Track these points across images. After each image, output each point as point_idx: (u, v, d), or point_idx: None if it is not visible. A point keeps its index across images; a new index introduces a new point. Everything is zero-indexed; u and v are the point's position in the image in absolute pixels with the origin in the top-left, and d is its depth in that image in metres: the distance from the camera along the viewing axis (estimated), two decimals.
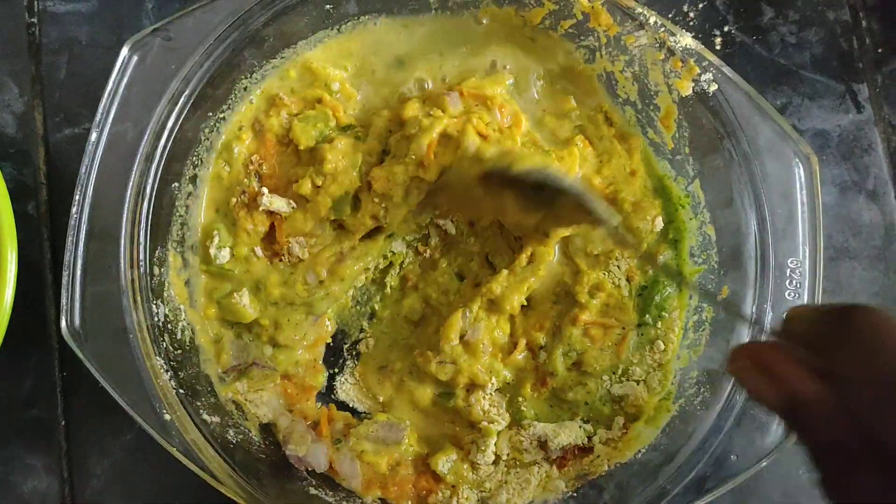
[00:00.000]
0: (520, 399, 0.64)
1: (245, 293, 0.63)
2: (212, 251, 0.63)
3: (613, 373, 0.64)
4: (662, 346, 0.63)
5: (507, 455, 0.63)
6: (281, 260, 0.65)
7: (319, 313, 0.66)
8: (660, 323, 0.64)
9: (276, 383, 0.65)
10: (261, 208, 0.63)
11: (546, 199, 0.57)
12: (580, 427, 0.63)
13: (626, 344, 0.64)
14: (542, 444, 0.63)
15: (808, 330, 0.31)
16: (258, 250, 0.64)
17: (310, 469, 0.62)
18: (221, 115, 0.62)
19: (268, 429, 0.63)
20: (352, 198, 0.63)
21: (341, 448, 0.63)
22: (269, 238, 0.64)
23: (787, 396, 0.30)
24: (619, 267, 0.64)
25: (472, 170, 0.58)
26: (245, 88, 0.63)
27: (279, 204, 0.63)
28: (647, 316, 0.64)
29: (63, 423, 0.66)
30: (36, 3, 0.71)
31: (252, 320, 0.64)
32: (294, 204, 0.64)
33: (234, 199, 0.64)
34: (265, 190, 0.63)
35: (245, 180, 0.64)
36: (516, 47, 0.66)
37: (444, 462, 0.63)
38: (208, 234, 0.63)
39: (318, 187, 0.63)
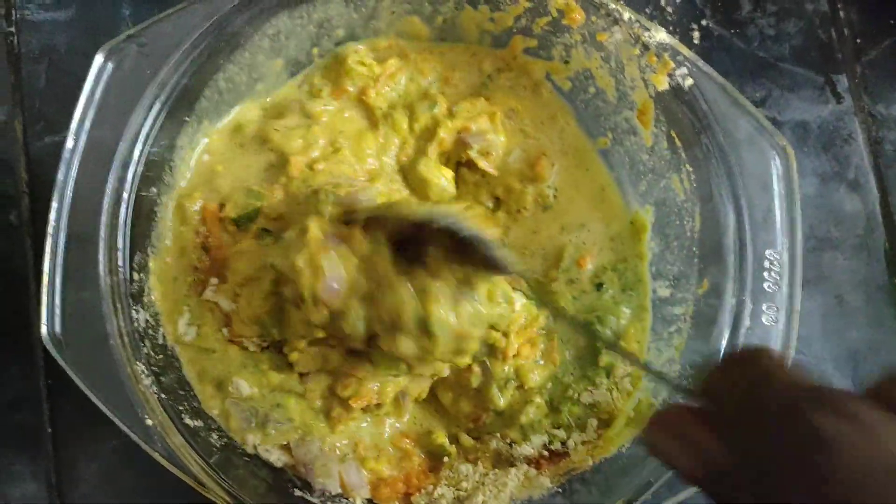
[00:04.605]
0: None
1: (242, 383, 0.60)
2: (180, 328, 0.60)
3: (557, 377, 0.64)
4: (630, 368, 0.63)
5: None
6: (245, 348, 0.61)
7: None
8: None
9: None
10: (204, 297, 0.60)
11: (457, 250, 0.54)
12: (546, 432, 0.63)
13: (556, 347, 0.64)
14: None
15: (717, 387, 0.29)
16: (225, 332, 0.61)
17: (327, 493, 0.61)
18: (196, 120, 0.62)
19: None
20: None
21: (346, 461, 0.62)
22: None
23: (702, 465, 0.27)
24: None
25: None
26: (220, 93, 0.63)
27: (222, 301, 0.60)
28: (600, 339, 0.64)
29: (50, 429, 0.66)
30: (14, 11, 0.71)
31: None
32: (234, 305, 0.60)
33: (189, 279, 0.61)
34: (214, 280, 0.60)
35: (193, 255, 0.61)
36: None
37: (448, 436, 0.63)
38: (177, 307, 0.60)
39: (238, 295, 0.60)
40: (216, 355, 0.60)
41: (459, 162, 0.68)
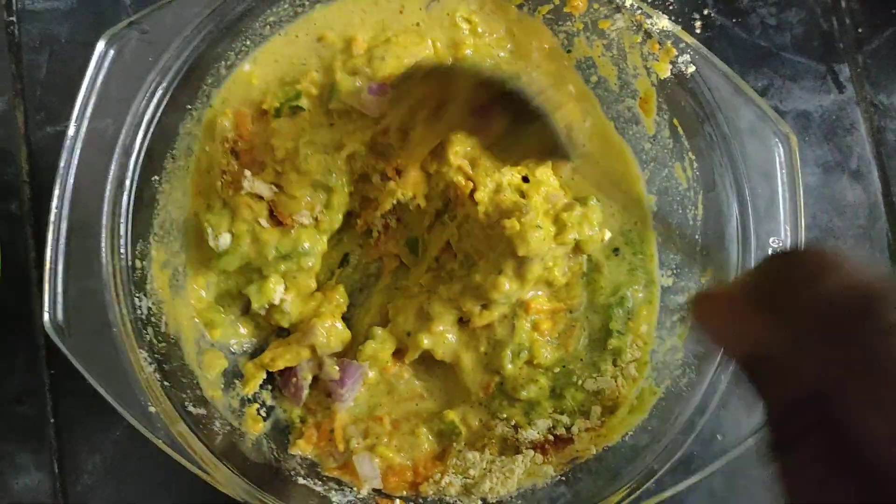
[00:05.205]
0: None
1: (280, 287, 0.61)
2: (211, 243, 0.60)
3: (564, 366, 0.64)
4: (638, 354, 0.64)
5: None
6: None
7: None
8: (629, 334, 0.64)
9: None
10: (243, 192, 0.60)
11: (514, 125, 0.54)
12: (550, 416, 0.63)
13: (575, 336, 0.64)
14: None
15: (765, 278, 0.29)
16: (262, 221, 0.61)
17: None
18: (200, 106, 0.62)
19: None
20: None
21: (357, 449, 0.62)
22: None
23: (749, 347, 0.27)
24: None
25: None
26: (230, 66, 0.62)
27: (262, 188, 0.60)
28: (613, 322, 0.64)
29: (52, 420, 0.66)
30: (14, 1, 0.70)
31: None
32: (276, 188, 0.61)
33: (218, 183, 0.61)
34: (248, 173, 0.60)
35: (222, 160, 0.61)
36: None
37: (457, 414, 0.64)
38: (199, 230, 0.61)
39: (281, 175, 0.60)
40: (247, 249, 0.60)
41: None
